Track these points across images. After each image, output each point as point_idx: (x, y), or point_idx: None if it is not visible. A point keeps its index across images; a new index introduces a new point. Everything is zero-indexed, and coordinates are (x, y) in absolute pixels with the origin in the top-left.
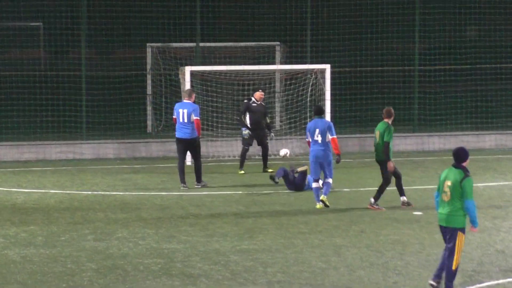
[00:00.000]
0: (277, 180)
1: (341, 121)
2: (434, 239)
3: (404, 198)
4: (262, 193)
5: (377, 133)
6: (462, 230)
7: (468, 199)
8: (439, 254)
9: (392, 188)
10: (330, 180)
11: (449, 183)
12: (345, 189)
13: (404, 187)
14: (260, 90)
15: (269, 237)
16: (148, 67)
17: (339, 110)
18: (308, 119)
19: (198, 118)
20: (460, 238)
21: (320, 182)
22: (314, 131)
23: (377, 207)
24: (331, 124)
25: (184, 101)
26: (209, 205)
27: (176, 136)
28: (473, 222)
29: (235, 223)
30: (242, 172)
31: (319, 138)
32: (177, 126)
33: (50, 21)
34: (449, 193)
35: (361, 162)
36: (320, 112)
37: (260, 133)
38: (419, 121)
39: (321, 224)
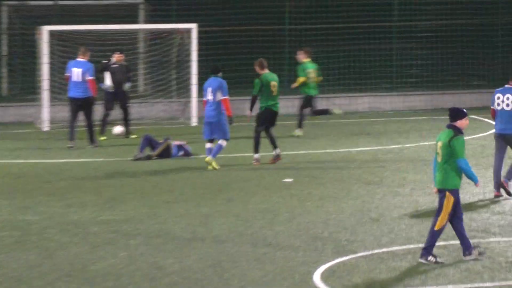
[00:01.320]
0: (141, 155)
1: None
2: (304, 207)
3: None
4: (124, 160)
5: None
6: (453, 192)
7: (459, 159)
8: (311, 223)
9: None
10: (221, 142)
11: (440, 143)
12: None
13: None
14: (117, 52)
15: (131, 207)
16: (3, 26)
17: (207, 71)
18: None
19: (93, 78)
20: (448, 199)
21: (211, 145)
22: (207, 90)
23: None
24: (224, 83)
25: (78, 59)
26: (67, 173)
27: (69, 95)
28: (473, 179)
29: (95, 192)
30: (104, 138)
31: (210, 97)
32: (70, 85)
33: None
34: (441, 154)
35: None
36: (215, 71)
37: (121, 95)
38: (288, 83)
39: (187, 193)
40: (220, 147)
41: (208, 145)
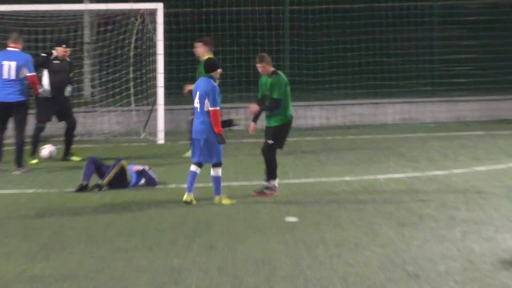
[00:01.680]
0: (86, 183)
1: (179, 84)
2: (314, 257)
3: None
4: (64, 192)
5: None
6: None
7: None
8: (324, 279)
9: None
10: (214, 172)
11: None
12: (181, 185)
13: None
14: (63, 45)
15: (74, 256)
16: None
17: (177, 69)
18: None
19: (34, 74)
20: None
21: (197, 168)
22: (195, 95)
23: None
24: (215, 88)
25: (9, 48)
26: None
27: None
28: None
29: (24, 236)
30: (35, 161)
31: (198, 106)
32: None
33: None
34: None
35: None
36: (209, 69)
37: (62, 102)
38: (291, 83)
39: (151, 237)
40: (217, 180)
41: (193, 167)
